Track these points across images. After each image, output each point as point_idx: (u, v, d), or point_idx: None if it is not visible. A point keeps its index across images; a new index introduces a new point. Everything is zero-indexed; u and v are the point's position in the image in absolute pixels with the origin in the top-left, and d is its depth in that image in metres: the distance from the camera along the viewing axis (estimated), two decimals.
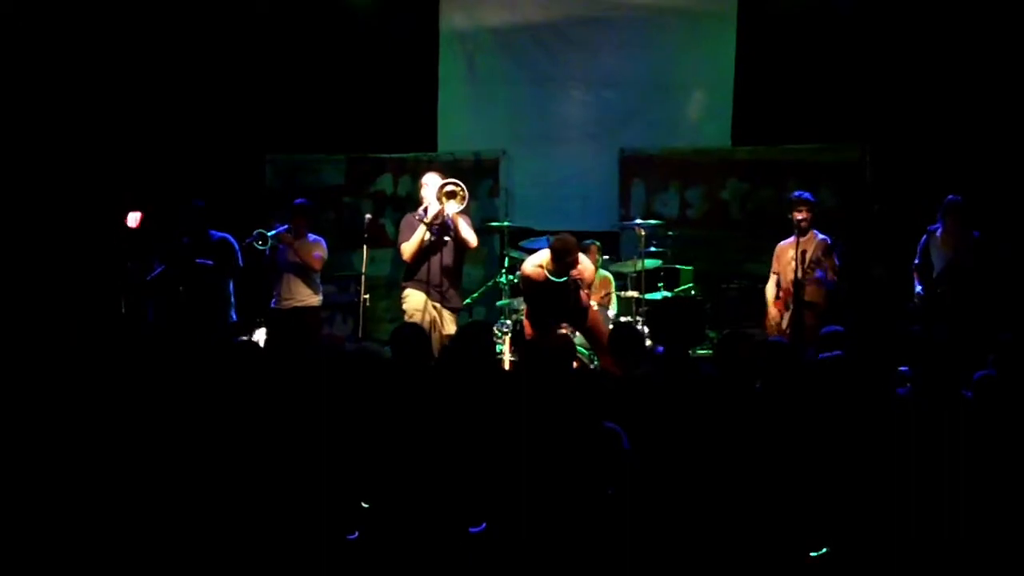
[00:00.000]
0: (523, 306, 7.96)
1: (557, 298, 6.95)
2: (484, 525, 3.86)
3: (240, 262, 7.85)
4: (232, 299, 7.86)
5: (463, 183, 7.21)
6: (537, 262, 7.04)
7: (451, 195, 7.13)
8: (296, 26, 9.98)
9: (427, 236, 7.25)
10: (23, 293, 8.35)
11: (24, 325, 7.11)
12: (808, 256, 7.21)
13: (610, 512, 3.77)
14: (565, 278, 6.86)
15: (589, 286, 7.15)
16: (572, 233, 8.66)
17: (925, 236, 7.44)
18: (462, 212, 7.23)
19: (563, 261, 6.81)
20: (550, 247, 6.95)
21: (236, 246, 7.81)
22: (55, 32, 9.47)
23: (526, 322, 7.24)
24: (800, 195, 7.59)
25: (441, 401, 4.26)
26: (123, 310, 7.92)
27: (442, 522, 3.86)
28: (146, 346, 5.48)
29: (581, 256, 7.01)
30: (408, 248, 7.25)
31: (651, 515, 3.75)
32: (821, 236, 7.42)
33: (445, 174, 7.45)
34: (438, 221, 7.21)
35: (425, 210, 7.26)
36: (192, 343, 6.33)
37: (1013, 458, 3.83)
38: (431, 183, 7.31)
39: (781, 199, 9.46)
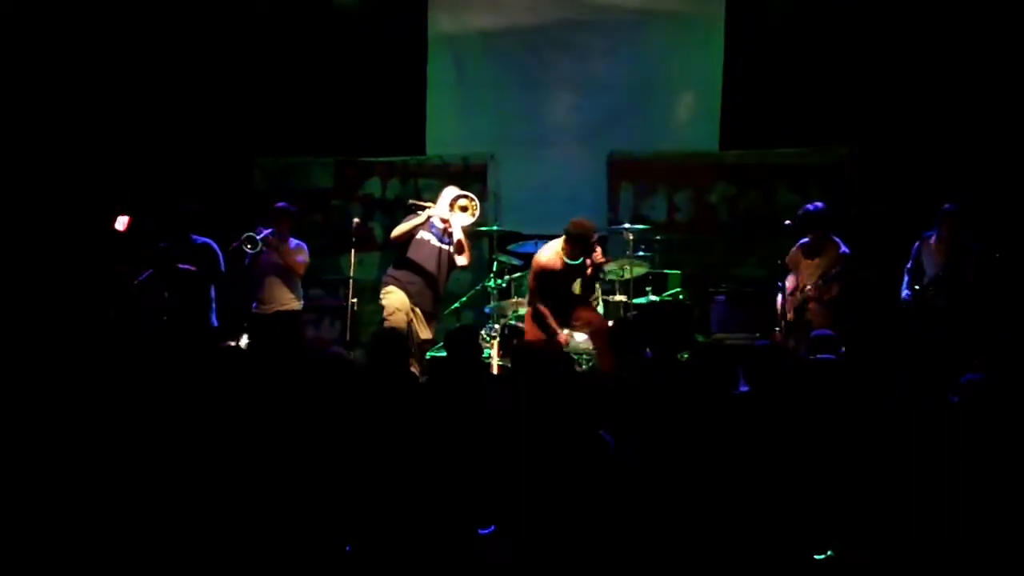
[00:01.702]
0: (522, 309, 7.96)
1: (566, 287, 7.07)
2: (493, 528, 3.86)
3: (223, 267, 7.82)
4: (213, 304, 7.84)
5: (473, 196, 7.33)
6: (553, 250, 7.09)
7: (464, 208, 7.23)
8: (285, 30, 9.96)
9: (430, 239, 7.29)
10: (11, 296, 8.32)
11: (13, 328, 7.10)
12: (824, 273, 7.25)
13: (602, 516, 3.77)
14: (580, 259, 6.97)
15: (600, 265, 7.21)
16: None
17: (919, 241, 7.40)
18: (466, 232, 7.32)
19: (582, 243, 6.93)
20: (566, 231, 7.01)
21: (218, 251, 7.79)
22: (44, 36, 9.43)
23: (529, 324, 7.20)
24: (804, 217, 7.43)
25: (429, 407, 4.27)
26: (112, 314, 7.88)
27: (432, 530, 3.86)
28: (135, 350, 5.46)
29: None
30: (398, 229, 7.32)
31: (640, 519, 3.76)
32: (844, 248, 7.33)
33: (428, 177, 7.52)
34: (448, 227, 7.28)
35: (422, 209, 7.33)
36: (175, 348, 6.31)
37: (1001, 461, 3.85)
38: (446, 195, 7.39)
39: (769, 203, 9.53)
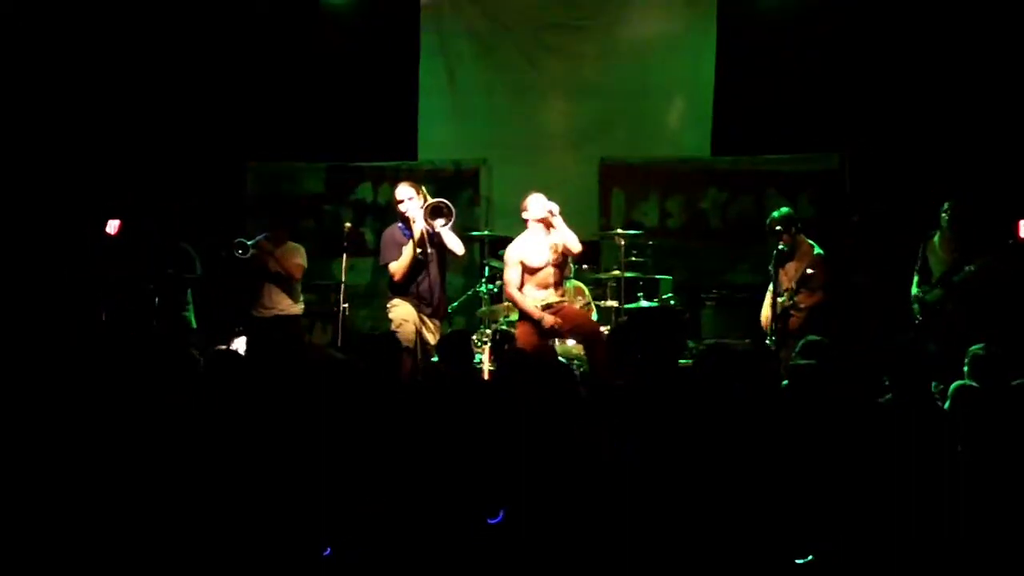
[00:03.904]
0: (513, 314, 7.95)
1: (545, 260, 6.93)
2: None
3: (199, 270, 7.88)
4: (191, 306, 7.89)
5: (446, 197, 7.21)
6: (521, 239, 7.03)
7: (436, 213, 7.09)
8: (277, 34, 9.95)
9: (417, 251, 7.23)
10: (4, 299, 8.29)
11: (5, 330, 7.08)
12: (798, 277, 7.20)
13: (592, 520, 3.78)
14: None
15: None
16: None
17: (924, 240, 7.34)
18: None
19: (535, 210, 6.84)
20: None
21: (194, 254, 7.84)
22: (38, 39, 9.41)
23: (520, 325, 7.14)
24: (776, 224, 7.37)
25: (422, 412, 4.27)
26: (103, 317, 7.87)
27: (425, 532, 3.86)
28: (126, 353, 5.44)
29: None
30: (398, 268, 7.11)
31: (632, 523, 3.76)
32: (818, 251, 7.30)
33: (420, 183, 7.41)
34: (426, 236, 7.16)
35: (408, 227, 7.17)
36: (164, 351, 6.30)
37: (989, 466, 3.87)
38: (405, 195, 7.21)
39: (760, 209, 9.55)
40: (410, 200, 7.10)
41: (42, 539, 3.79)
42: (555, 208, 6.85)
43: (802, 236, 7.39)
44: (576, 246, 6.89)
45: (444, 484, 3.99)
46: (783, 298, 7.22)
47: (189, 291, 7.91)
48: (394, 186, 9.84)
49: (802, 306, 7.22)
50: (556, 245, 6.90)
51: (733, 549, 3.71)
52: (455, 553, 3.84)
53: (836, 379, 4.68)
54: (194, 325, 7.92)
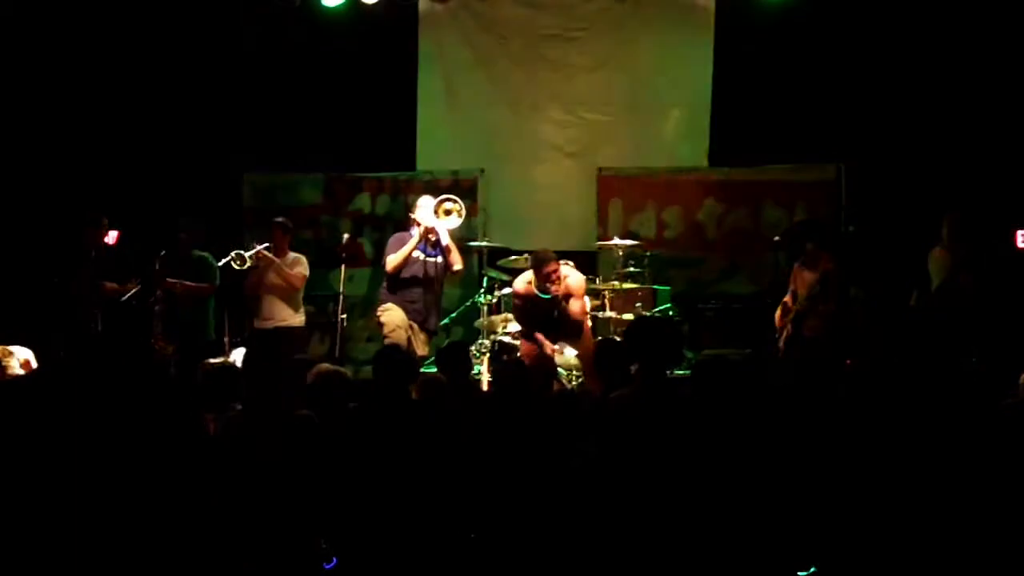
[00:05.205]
0: (512, 325, 8.00)
1: (547, 314, 7.03)
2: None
3: (217, 280, 7.86)
4: (211, 317, 7.88)
5: (455, 197, 7.31)
6: (526, 279, 7.15)
7: (448, 212, 7.20)
8: (275, 45, 9.96)
9: (417, 255, 7.27)
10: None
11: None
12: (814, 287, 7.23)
13: (587, 532, 3.78)
14: (549, 294, 6.95)
15: (582, 296, 7.20)
16: None
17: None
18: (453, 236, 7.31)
19: (540, 273, 6.91)
20: (530, 262, 7.04)
21: (214, 264, 7.81)
22: (35, 52, 9.42)
23: (523, 341, 7.26)
24: (807, 231, 7.47)
25: (420, 424, 4.27)
26: (98, 328, 7.86)
27: (423, 542, 3.86)
28: (120, 365, 5.44)
29: (567, 268, 7.08)
30: (394, 260, 7.22)
31: (627, 535, 3.76)
32: (832, 263, 7.31)
33: (419, 194, 7.51)
34: (433, 238, 7.24)
35: (418, 227, 7.28)
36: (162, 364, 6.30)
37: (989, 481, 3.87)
38: (425, 205, 7.34)
39: (757, 220, 9.57)
40: (425, 208, 7.24)
41: (41, 551, 3.77)
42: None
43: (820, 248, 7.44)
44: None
45: (442, 494, 3.99)
46: (799, 302, 7.25)
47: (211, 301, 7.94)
48: (393, 196, 9.96)
49: (820, 309, 7.24)
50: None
51: (733, 563, 3.71)
52: (453, 565, 3.84)
53: (840, 386, 4.69)
54: (212, 336, 7.93)
